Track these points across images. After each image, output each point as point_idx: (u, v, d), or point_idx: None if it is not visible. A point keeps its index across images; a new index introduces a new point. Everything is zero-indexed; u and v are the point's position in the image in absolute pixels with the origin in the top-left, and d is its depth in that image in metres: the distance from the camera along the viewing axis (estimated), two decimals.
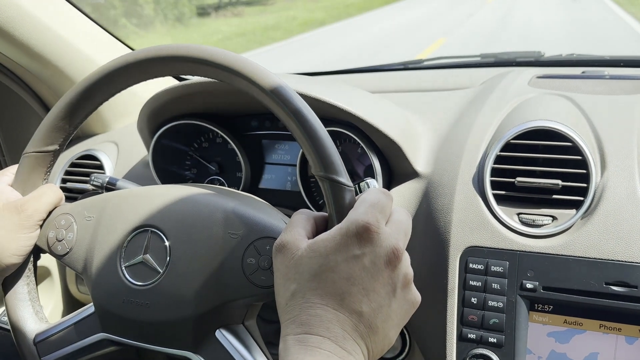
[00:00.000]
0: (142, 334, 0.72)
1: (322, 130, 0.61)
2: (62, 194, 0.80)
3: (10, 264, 0.74)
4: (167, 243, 0.71)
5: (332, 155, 0.61)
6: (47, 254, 0.79)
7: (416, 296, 0.60)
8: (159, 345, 0.72)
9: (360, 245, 0.54)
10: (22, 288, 0.78)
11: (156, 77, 0.71)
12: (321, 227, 0.62)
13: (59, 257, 0.77)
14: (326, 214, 0.62)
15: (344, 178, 0.60)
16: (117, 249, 0.73)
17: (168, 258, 0.71)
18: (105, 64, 0.71)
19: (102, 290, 0.73)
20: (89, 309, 0.77)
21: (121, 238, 0.74)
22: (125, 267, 0.72)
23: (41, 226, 0.77)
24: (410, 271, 0.59)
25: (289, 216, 1.03)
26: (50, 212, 0.78)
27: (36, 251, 0.79)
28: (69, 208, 0.78)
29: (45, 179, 0.78)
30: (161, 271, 0.70)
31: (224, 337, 0.70)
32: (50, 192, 0.77)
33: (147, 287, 0.71)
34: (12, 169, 0.79)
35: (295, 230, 0.59)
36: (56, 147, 0.76)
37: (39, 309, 0.80)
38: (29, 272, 0.79)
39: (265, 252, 0.67)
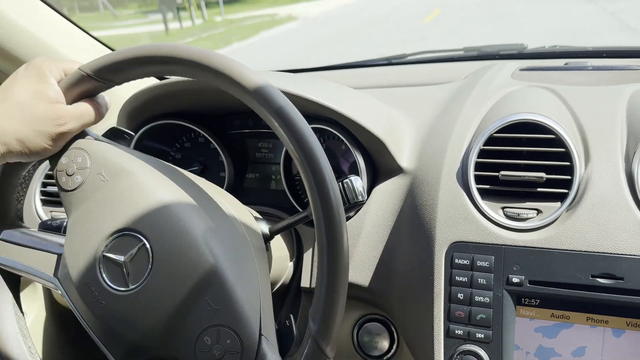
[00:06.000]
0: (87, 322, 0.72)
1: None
2: (101, 116, 0.75)
3: (43, 148, 0.70)
4: (149, 266, 0.68)
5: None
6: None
7: None
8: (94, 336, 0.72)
9: None
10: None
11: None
12: None
13: (59, 189, 0.74)
14: None
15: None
16: (104, 237, 0.70)
17: (142, 280, 0.68)
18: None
19: (76, 259, 0.71)
20: None
21: (112, 229, 0.70)
22: (105, 255, 0.69)
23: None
24: None
25: (275, 216, 1.03)
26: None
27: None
28: (93, 156, 0.73)
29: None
30: (130, 287, 0.68)
31: None
32: (89, 117, 0.73)
33: (111, 290, 0.69)
34: (64, 66, 0.73)
35: None
36: (110, 83, 0.72)
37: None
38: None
39: (225, 344, 0.66)
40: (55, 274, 0.74)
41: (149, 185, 0.71)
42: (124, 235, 0.69)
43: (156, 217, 0.69)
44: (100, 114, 0.74)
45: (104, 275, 0.69)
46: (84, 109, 0.72)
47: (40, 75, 0.70)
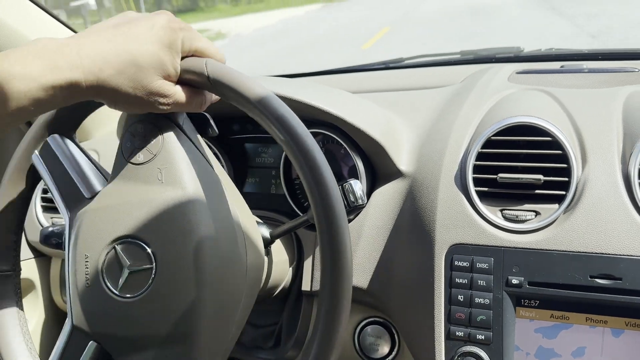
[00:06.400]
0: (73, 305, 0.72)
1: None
2: (200, 110, 0.72)
3: (128, 109, 0.67)
4: (143, 290, 0.68)
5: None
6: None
7: None
8: None
9: None
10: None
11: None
12: None
13: (119, 149, 0.71)
14: None
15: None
16: (126, 232, 0.69)
17: (130, 297, 0.68)
18: None
19: (92, 227, 0.70)
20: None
21: (138, 234, 0.68)
22: (116, 248, 0.69)
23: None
24: None
25: (275, 220, 1.04)
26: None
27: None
28: (165, 147, 0.70)
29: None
30: (117, 292, 0.68)
31: None
32: (189, 107, 0.69)
33: (100, 280, 0.69)
34: (197, 45, 0.69)
35: None
36: (217, 94, 0.68)
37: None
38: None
39: None
40: (71, 216, 0.72)
41: (191, 212, 0.68)
42: (142, 248, 0.68)
43: (178, 254, 0.67)
44: (200, 108, 0.71)
45: (104, 263, 0.69)
46: (190, 98, 0.68)
47: (172, 46, 0.65)
